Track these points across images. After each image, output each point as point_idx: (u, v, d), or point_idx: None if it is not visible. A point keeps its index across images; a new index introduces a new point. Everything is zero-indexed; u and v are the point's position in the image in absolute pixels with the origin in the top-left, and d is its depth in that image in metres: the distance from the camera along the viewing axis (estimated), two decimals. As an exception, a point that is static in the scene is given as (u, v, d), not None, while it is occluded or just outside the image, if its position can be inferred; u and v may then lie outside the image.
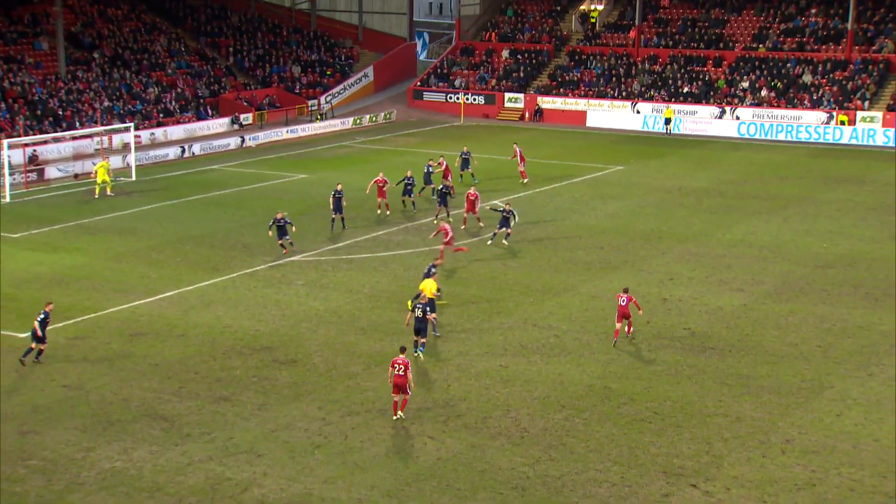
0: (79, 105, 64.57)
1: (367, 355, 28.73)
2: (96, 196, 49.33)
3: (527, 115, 76.84)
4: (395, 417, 24.48)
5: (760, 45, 75.40)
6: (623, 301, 29.32)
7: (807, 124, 68.07)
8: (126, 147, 57.15)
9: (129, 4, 78.39)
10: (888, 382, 26.86)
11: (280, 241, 38.28)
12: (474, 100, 78.63)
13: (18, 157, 53.98)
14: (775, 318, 31.87)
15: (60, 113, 62.92)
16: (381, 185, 44.21)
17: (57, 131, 59.69)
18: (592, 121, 73.99)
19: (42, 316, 27.95)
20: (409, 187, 45.31)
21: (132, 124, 59.33)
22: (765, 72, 72.95)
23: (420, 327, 28.47)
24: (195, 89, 72.94)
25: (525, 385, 26.65)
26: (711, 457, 22.77)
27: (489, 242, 39.97)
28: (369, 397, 25.83)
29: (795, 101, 70.03)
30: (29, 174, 53.30)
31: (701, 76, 74.49)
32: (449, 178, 47.48)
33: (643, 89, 74.85)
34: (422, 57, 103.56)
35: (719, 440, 23.53)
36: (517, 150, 52.34)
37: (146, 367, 27.88)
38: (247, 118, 71.47)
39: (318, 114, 75.00)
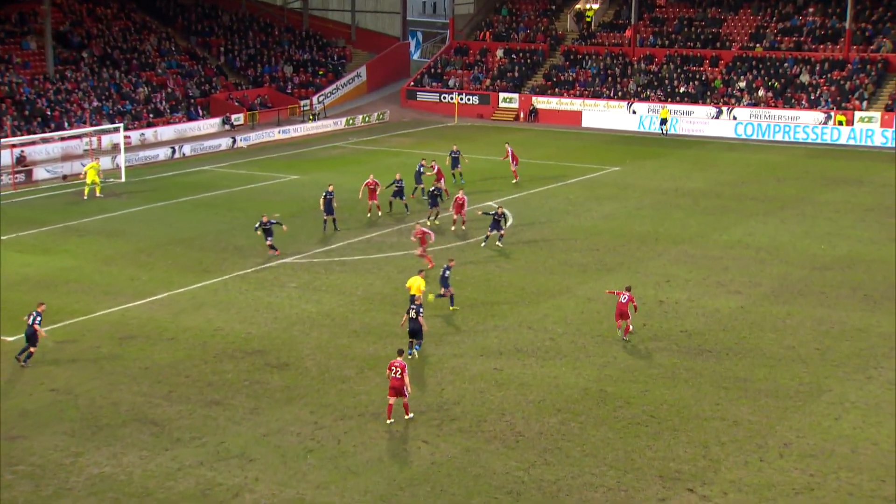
0: (67, 105, 64.47)
1: (361, 358, 28.72)
2: (85, 197, 49.26)
3: (521, 115, 76.88)
4: (388, 421, 24.49)
5: (757, 45, 75.52)
6: (624, 298, 29.63)
7: (804, 124, 68.19)
8: (115, 148, 57.07)
9: (118, 3, 78.30)
10: (887, 385, 26.90)
11: (269, 244, 38.26)
12: (468, 100, 78.66)
13: (6, 158, 53.89)
14: (773, 320, 31.92)
15: (49, 113, 62.81)
16: (372, 187, 44.19)
17: (45, 132, 59.59)
18: (588, 121, 74.06)
19: (39, 318, 28.00)
20: (399, 190, 45.25)
21: (122, 125, 59.28)
22: (762, 71, 73.08)
23: (415, 328, 28.56)
24: (186, 89, 72.87)
25: (520, 388, 26.65)
26: (708, 461, 22.79)
27: (483, 245, 39.97)
28: (362, 401, 25.82)
29: (793, 101, 70.15)
30: (17, 175, 53.21)
31: (697, 76, 74.60)
32: (442, 181, 47.64)
33: (639, 89, 74.93)
34: (415, 56, 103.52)
35: (716, 444, 23.56)
36: (509, 150, 52.53)
37: (136, 370, 27.84)
38: (238, 118, 71.43)
39: (311, 114, 74.96)
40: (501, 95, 78.26)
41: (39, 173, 54.65)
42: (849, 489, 21.61)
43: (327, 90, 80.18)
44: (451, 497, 21.28)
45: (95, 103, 65.89)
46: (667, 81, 74.80)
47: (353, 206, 45.29)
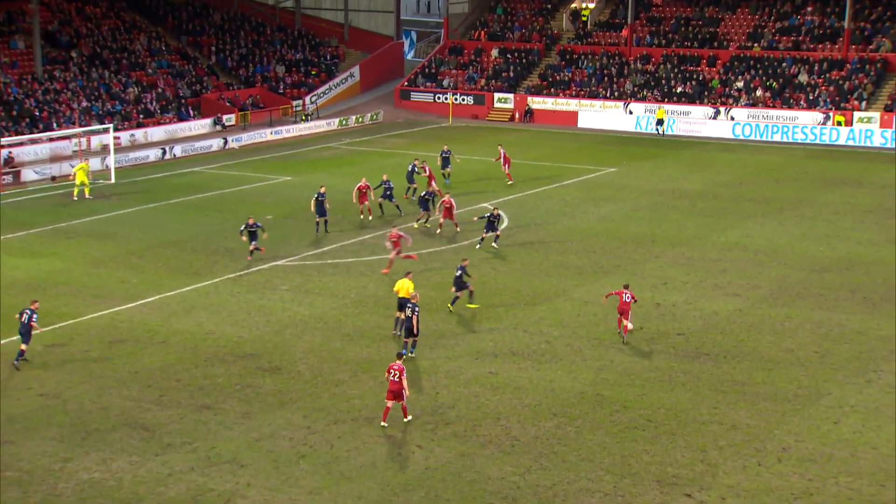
0: (56, 105, 64.39)
1: (354, 362, 28.71)
2: (74, 198, 49.21)
3: (517, 115, 76.94)
4: (383, 424, 24.50)
5: (755, 44, 75.65)
6: (627, 297, 29.95)
7: (803, 125, 68.31)
8: (105, 149, 57.00)
9: (107, 2, 78.23)
10: (886, 389, 26.95)
11: (252, 248, 38.07)
12: (463, 100, 78.70)
13: (-6, 159, 53.85)
14: (771, 323, 31.96)
15: (37, 114, 62.73)
16: (363, 190, 44.17)
17: (33, 132, 59.52)
18: (584, 121, 74.14)
19: (35, 316, 28.15)
20: (388, 192, 45.22)
21: (111, 125, 59.19)
22: (760, 71, 73.19)
23: (409, 327, 28.70)
24: (176, 89, 72.82)
25: (515, 392, 26.66)
26: (706, 465, 22.81)
27: (477, 246, 39.98)
28: (355, 405, 25.81)
29: (791, 101, 70.27)
30: (4, 177, 53.12)
31: (695, 76, 74.70)
32: (433, 183, 47.71)
33: (636, 89, 75.02)
34: (409, 56, 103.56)
35: (714, 448, 23.58)
36: (501, 151, 52.74)
37: (126, 374, 27.80)
38: (229, 119, 71.39)
39: (303, 115, 74.94)
40: (496, 96, 78.31)
41: (28, 175, 54.56)
42: (848, 494, 21.64)
43: (320, 90, 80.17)
44: (445, 503, 21.27)
45: (84, 103, 65.81)
46: (664, 81, 74.90)
47: (345, 208, 45.28)
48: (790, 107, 69.92)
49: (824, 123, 67.86)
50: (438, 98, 79.52)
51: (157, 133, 66.67)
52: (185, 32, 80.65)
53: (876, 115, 67.20)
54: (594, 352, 29.49)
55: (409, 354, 28.62)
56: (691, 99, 72.95)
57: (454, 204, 42.21)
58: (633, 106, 73.37)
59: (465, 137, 68.56)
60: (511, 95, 77.84)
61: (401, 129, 72.63)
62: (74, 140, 58.03)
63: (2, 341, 29.61)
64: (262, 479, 22.15)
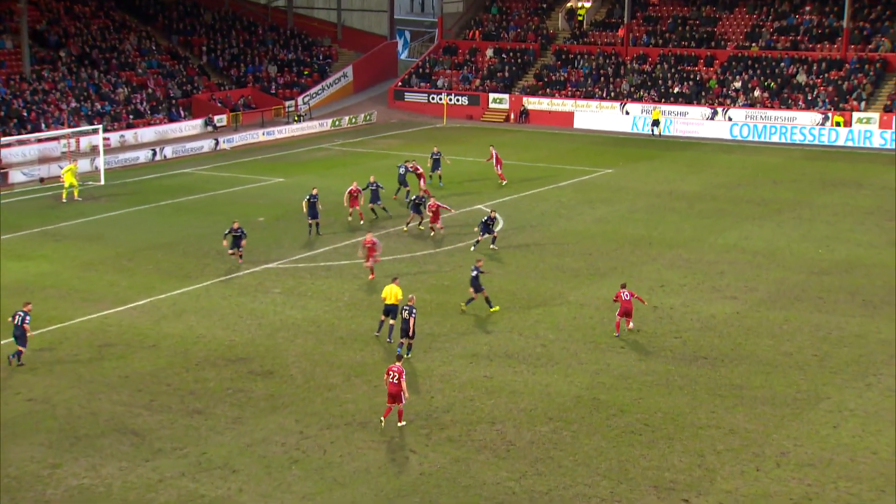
0: (44, 106, 64.30)
1: (347, 366, 28.70)
2: (63, 200, 49.14)
3: (512, 116, 76.98)
4: (382, 418, 24.60)
5: (753, 44, 75.76)
6: (626, 296, 30.32)
7: (801, 126, 68.43)
8: (94, 150, 56.92)
9: (96, 1, 78.16)
10: (886, 393, 26.99)
11: (231, 252, 37.75)
12: (457, 100, 78.73)
13: (-19, 160, 53.78)
14: (769, 326, 32.00)
15: (25, 114, 62.63)
16: (354, 194, 44.12)
17: (21, 133, 59.41)
18: (580, 122, 74.19)
19: (28, 318, 28.32)
20: (375, 193, 45.18)
21: (101, 126, 59.09)
22: (758, 71, 73.30)
23: (404, 327, 28.87)
24: (167, 90, 72.77)
25: (511, 396, 26.66)
26: (704, 470, 22.83)
27: (472, 249, 39.99)
28: (349, 409, 25.80)
29: (789, 101, 70.39)
30: (-8, 178, 53.08)
31: (692, 76, 74.81)
32: (423, 181, 47.92)
33: (632, 89, 75.09)
34: (403, 56, 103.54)
35: (712, 453, 23.60)
36: (493, 152, 52.77)
37: (115, 379, 27.76)
38: (221, 120, 71.34)
39: (296, 115, 74.90)
40: (491, 96, 78.34)
41: (15, 176, 54.47)
42: (847, 499, 21.67)
43: (313, 90, 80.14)
44: (440, 508, 21.29)
45: (73, 104, 65.73)
46: (660, 82, 74.98)
47: (338, 210, 45.25)
48: (788, 107, 70.03)
49: (823, 124, 67.97)
50: (433, 98, 79.55)
51: (147, 134, 66.60)
52: (175, 32, 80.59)
53: (875, 115, 67.32)
54: (590, 355, 29.51)
55: (406, 356, 28.69)
56: (688, 99, 73.04)
57: (440, 206, 42.13)
58: (630, 106, 73.44)
59: (460, 138, 68.59)
60: (506, 96, 77.87)
61: (395, 130, 72.64)
62: (63, 141, 57.93)
63: (-11, 345, 29.59)
64: (253, 484, 22.13)
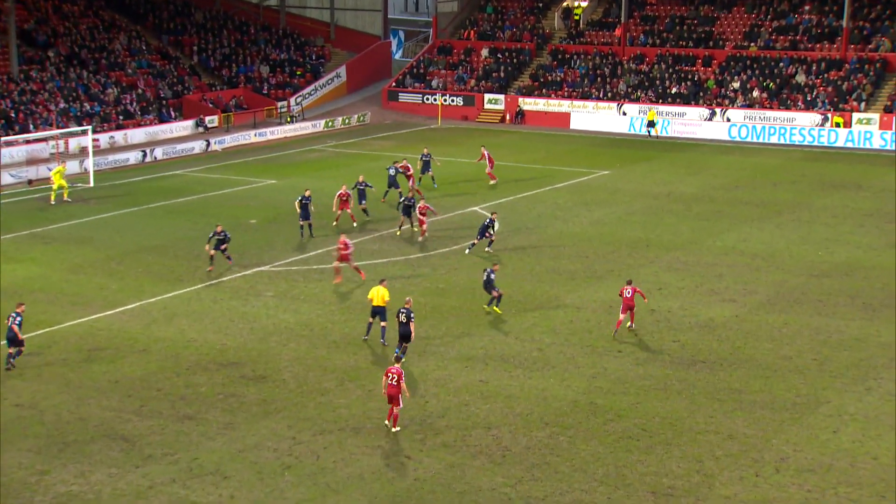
0: (32, 107, 64.22)
1: (341, 370, 28.69)
2: (52, 202, 49.08)
3: (508, 117, 77.03)
4: (386, 423, 24.68)
5: (752, 44, 75.89)
6: (629, 293, 30.62)
7: (800, 126, 68.55)
8: (83, 151, 56.89)
9: (85, 0, 78.10)
10: (886, 397, 27.03)
11: (212, 254, 37.44)
12: (452, 101, 78.76)
13: (-32, 161, 53.70)
14: (769, 329, 32.04)
15: (13, 115, 62.55)
16: (344, 197, 44.08)
17: (9, 134, 59.33)
18: (576, 123, 74.27)
19: (19, 319, 28.49)
20: (362, 193, 45.17)
21: (90, 127, 59.08)
22: (756, 72, 73.43)
23: (404, 332, 28.93)
24: (157, 90, 72.72)
25: (506, 401, 26.67)
26: (702, 476, 22.84)
27: (467, 252, 40.01)
28: (342, 415, 25.79)
29: (788, 102, 70.51)
30: (-20, 180, 53.01)
31: (690, 76, 74.91)
32: (412, 183, 48.00)
33: (629, 90, 75.18)
34: (397, 56, 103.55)
35: (710, 458, 23.62)
36: (485, 153, 52.99)
37: (105, 384, 27.73)
38: (212, 120, 71.31)
39: (288, 116, 74.91)
40: (487, 96, 78.39)
41: (3, 178, 54.38)
42: (848, 505, 21.72)
43: (305, 91, 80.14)
44: (434, 515, 21.29)
45: (62, 105, 65.66)
46: (658, 82, 75.08)
47: (331, 213, 45.23)
48: (787, 108, 70.15)
49: (822, 125, 68.09)
50: (427, 99, 79.58)
51: (137, 135, 66.54)
52: (166, 31, 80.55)
53: (875, 116, 67.45)
54: (587, 359, 29.53)
55: (397, 354, 28.69)
56: (686, 100, 73.13)
57: (429, 210, 42.03)
58: (627, 107, 73.52)
59: (455, 139, 68.62)
60: (502, 96, 77.92)
61: (388, 131, 72.64)
62: (52, 142, 57.90)
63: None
64: (245, 491, 22.11)
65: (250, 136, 68.87)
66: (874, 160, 62.35)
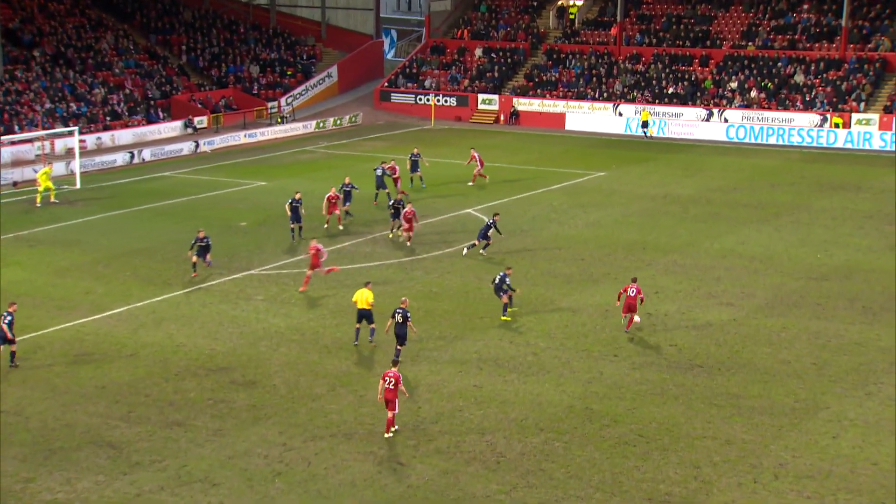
0: (18, 107, 64.14)
1: (332, 375, 28.68)
2: (38, 205, 49.01)
3: (502, 117, 77.08)
4: (387, 435, 24.65)
5: (750, 43, 76.03)
6: (633, 292, 31.06)
7: (799, 127, 68.67)
8: (70, 152, 56.82)
9: (72, -1, 78.11)
10: (887, 402, 27.08)
11: (195, 261, 37.32)
12: (446, 101, 78.80)
13: (-48, 163, 53.60)
14: (767, 333, 32.08)
15: (-2, 116, 62.55)
16: (333, 200, 44.08)
17: (-6, 135, 59.28)
18: (571, 124, 74.33)
19: (9, 318, 28.69)
20: (348, 195, 45.19)
21: (76, 128, 59.05)
22: (754, 71, 73.56)
23: (401, 333, 29.00)
24: (145, 90, 72.66)
25: (501, 406, 26.67)
26: (700, 482, 22.86)
27: (465, 252, 40.12)
28: (334, 420, 25.78)
29: (787, 102, 70.65)
30: (-36, 182, 52.91)
31: (687, 76, 75.02)
32: (399, 184, 48.04)
33: (625, 90, 75.28)
34: (389, 56, 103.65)
35: (708, 464, 23.64)
36: (474, 154, 53.21)
37: (92, 390, 27.68)
38: (201, 121, 71.26)
39: (279, 117, 74.89)
40: (480, 97, 78.44)
41: (-12, 180, 54.36)
42: (848, 511, 21.75)
43: (296, 91, 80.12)
44: (428, 522, 21.28)
45: (48, 105, 65.58)
46: (654, 82, 75.18)
47: (322, 215, 45.21)
48: (786, 108, 70.28)
49: (821, 125, 68.22)
50: (420, 99, 79.61)
51: (124, 136, 66.48)
52: (153, 30, 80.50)
53: (875, 116, 67.60)
54: (583, 364, 29.54)
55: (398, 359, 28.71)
56: (683, 100, 73.23)
57: (415, 213, 41.90)
58: (623, 107, 73.61)
59: (448, 140, 68.65)
60: (496, 97, 77.97)
61: (381, 132, 72.65)
62: (37, 144, 57.81)
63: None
64: (235, 498, 22.08)
65: (240, 138, 68.83)
66: (874, 161, 62.47)
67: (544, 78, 78.32)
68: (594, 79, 76.97)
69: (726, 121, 70.70)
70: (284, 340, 31.36)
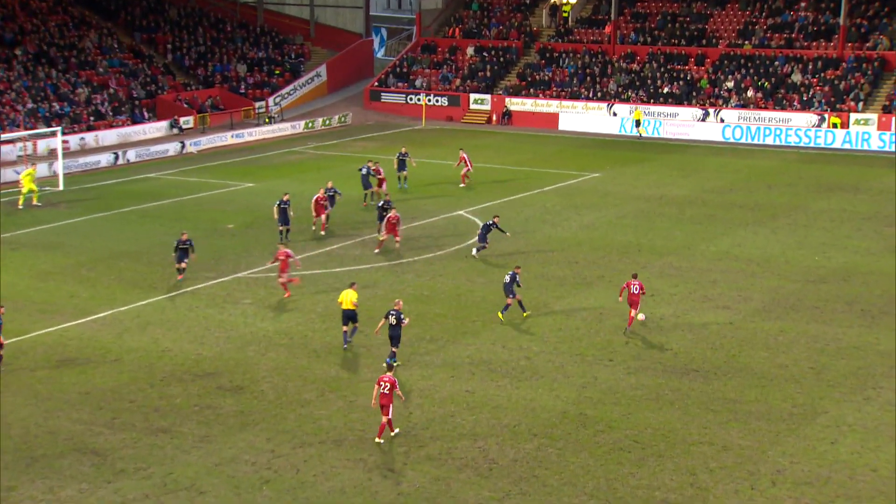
0: None
1: (321, 381, 28.65)
2: (20, 207, 48.89)
3: (494, 117, 77.13)
4: (378, 440, 24.64)
5: (746, 42, 76.21)
6: (636, 289, 31.30)
7: (796, 127, 68.83)
8: (53, 153, 56.70)
9: (55, -4, 77.97)
10: (886, 407, 27.13)
11: (178, 266, 37.27)
12: (437, 101, 78.84)
13: (-67, 164, 53.46)
14: (764, 337, 32.13)
15: (-21, 116, 62.41)
16: (321, 202, 44.00)
17: (-25, 136, 59.16)
18: (565, 124, 74.42)
19: None
20: (332, 199, 45.16)
21: (59, 128, 58.92)
22: (751, 70, 73.74)
23: (395, 335, 29.08)
24: (129, 90, 72.57)
25: (493, 412, 26.66)
26: (696, 489, 22.88)
27: (474, 253, 40.21)
28: (323, 426, 25.75)
29: (784, 102, 70.82)
30: (-56, 183, 52.77)
31: (682, 75, 75.15)
32: (384, 185, 48.16)
33: (620, 90, 75.39)
34: (379, 54, 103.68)
35: (705, 471, 23.66)
36: (463, 156, 53.31)
37: (75, 396, 27.61)
38: (187, 121, 71.20)
39: (266, 117, 74.86)
40: (472, 96, 78.48)
41: (-31, 181, 54.23)
42: (846, 518, 21.78)
43: (284, 91, 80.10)
44: (419, 530, 21.25)
45: (30, 105, 65.45)
46: (649, 81, 75.30)
47: (311, 217, 45.18)
48: (783, 108, 70.46)
49: (819, 125, 68.39)
50: (410, 99, 79.63)
51: (108, 137, 66.39)
52: (138, 29, 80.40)
53: (873, 116, 67.79)
54: (577, 368, 29.55)
55: (393, 363, 28.70)
56: (678, 100, 73.36)
57: (400, 219, 41.72)
58: (617, 107, 73.71)
59: (440, 141, 68.66)
60: (488, 96, 78.02)
61: (371, 133, 72.65)
62: (19, 144, 57.68)
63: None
64: (222, 506, 22.05)
65: (227, 138, 68.78)
66: (872, 162, 62.64)
67: (537, 77, 78.41)
68: (588, 78, 77.07)
69: (722, 121, 70.84)
70: (272, 345, 31.32)
